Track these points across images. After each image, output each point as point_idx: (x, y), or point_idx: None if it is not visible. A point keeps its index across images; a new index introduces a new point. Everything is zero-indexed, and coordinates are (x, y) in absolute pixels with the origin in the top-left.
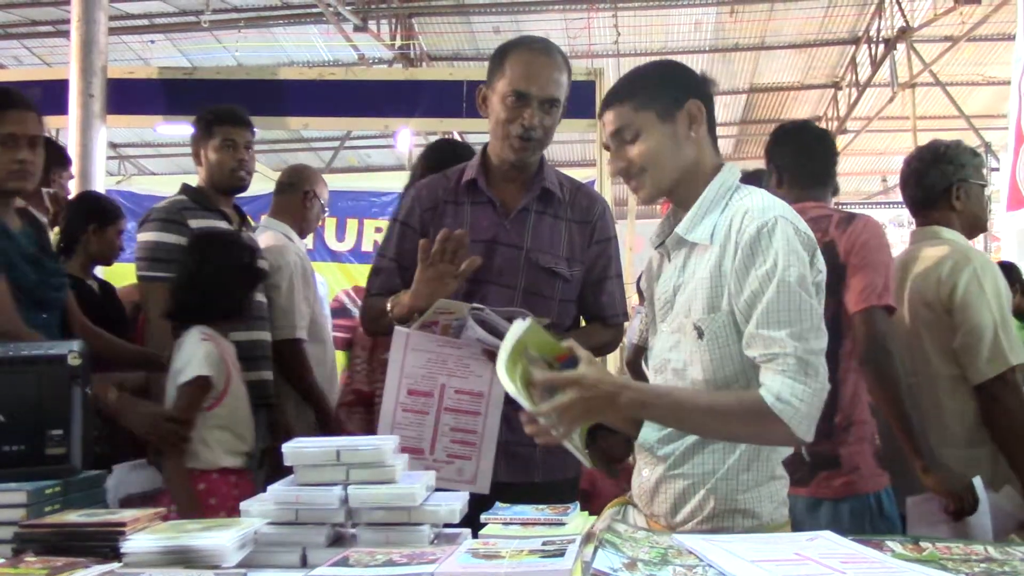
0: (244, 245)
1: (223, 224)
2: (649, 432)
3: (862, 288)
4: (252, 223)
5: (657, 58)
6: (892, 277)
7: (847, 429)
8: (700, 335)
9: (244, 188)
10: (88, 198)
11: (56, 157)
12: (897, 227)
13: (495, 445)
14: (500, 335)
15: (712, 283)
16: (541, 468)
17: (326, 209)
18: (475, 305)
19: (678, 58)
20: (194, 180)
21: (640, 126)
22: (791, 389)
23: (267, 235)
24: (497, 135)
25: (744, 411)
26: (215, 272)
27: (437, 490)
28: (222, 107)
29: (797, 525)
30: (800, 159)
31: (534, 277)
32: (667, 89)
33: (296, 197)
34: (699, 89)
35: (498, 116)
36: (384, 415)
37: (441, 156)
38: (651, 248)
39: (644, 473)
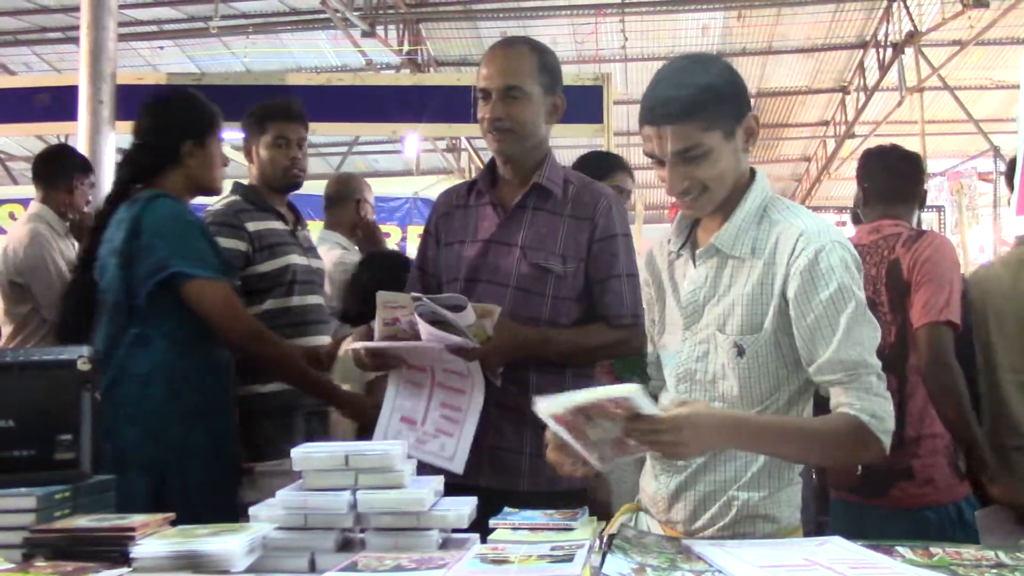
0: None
1: (280, 224)
2: None
3: (923, 303)
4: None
5: (686, 55)
6: (957, 293)
7: (918, 441)
8: (740, 353)
9: (298, 186)
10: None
11: (78, 163)
12: None
13: (475, 427)
14: (444, 325)
15: (753, 300)
16: (527, 477)
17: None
18: (415, 295)
19: None
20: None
21: (709, 146)
22: (880, 406)
23: (323, 248)
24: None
25: (843, 434)
26: (391, 285)
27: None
28: (275, 101)
29: (877, 537)
30: (883, 179)
31: (526, 274)
32: (731, 105)
33: (349, 208)
34: (748, 97)
35: (479, 116)
36: (391, 381)
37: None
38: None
39: (661, 480)
